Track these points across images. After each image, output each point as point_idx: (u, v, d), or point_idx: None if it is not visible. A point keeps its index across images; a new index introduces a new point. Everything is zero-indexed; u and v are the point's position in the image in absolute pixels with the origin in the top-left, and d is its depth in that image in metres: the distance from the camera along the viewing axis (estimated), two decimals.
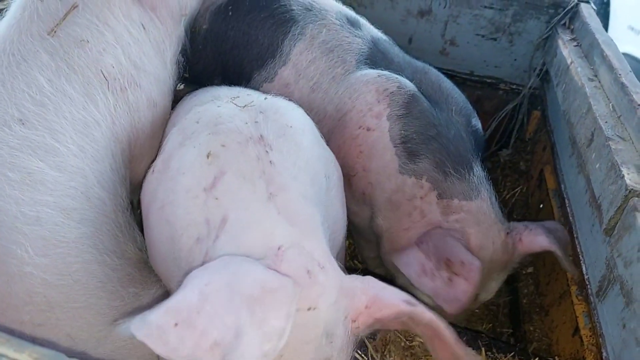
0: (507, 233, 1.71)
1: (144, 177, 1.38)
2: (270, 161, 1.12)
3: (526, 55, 2.36)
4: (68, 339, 1.18)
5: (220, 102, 1.40)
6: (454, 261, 1.56)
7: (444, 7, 2.37)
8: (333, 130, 1.85)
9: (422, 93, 1.82)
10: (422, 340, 1.67)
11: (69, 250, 1.21)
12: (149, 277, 1.41)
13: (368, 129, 1.78)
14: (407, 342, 1.69)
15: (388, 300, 1.00)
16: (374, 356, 1.63)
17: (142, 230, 1.41)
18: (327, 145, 1.66)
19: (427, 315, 1.01)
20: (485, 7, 2.32)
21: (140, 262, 1.41)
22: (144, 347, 0.85)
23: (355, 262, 2.35)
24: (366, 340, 1.66)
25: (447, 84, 1.94)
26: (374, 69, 1.86)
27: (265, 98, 1.41)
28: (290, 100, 1.53)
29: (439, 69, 2.01)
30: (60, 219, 1.21)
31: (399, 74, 1.84)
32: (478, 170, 1.76)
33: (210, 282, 0.87)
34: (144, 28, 1.58)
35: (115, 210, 1.37)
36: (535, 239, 1.69)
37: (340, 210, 1.43)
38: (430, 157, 1.73)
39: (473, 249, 1.64)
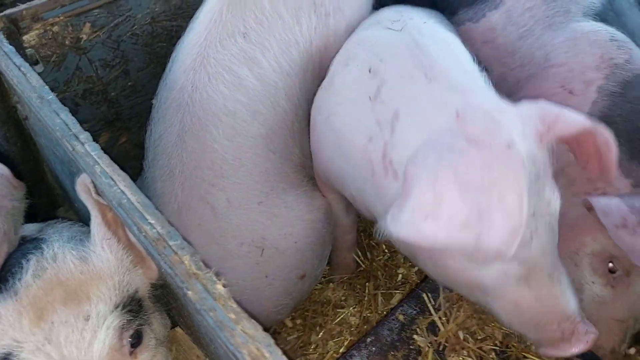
0: None
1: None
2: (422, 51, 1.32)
3: None
4: (226, 202, 1.60)
5: (380, 27, 1.58)
6: None
7: None
8: (532, 77, 1.77)
9: None
10: None
11: (246, 142, 1.58)
12: (301, 179, 1.73)
13: (570, 92, 1.65)
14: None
15: (570, 119, 1.10)
16: (442, 304, 1.89)
17: None
18: (522, 89, 1.71)
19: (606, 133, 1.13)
20: None
21: (299, 166, 1.71)
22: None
23: None
24: (441, 289, 1.93)
25: None
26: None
27: (424, 22, 1.55)
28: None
29: None
30: (248, 117, 1.57)
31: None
32: None
33: (437, 178, 1.02)
34: None
35: (294, 120, 1.64)
36: None
37: None
38: (627, 147, 1.58)
39: None
